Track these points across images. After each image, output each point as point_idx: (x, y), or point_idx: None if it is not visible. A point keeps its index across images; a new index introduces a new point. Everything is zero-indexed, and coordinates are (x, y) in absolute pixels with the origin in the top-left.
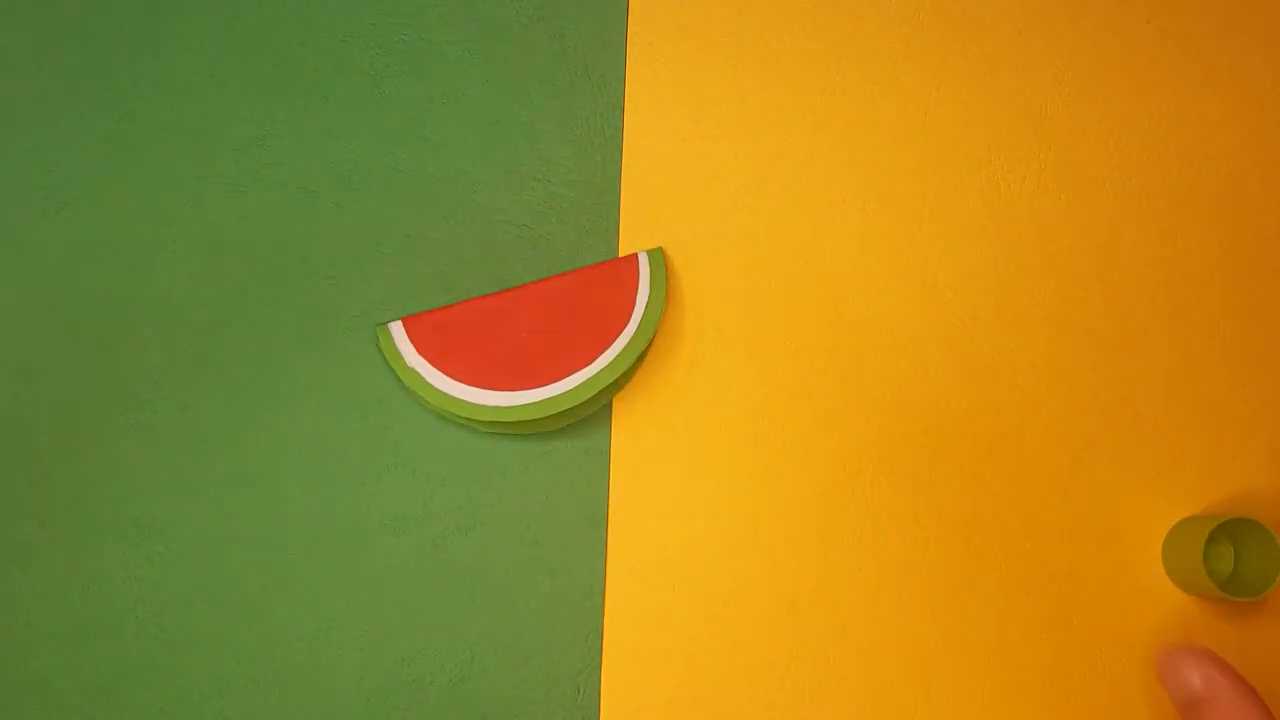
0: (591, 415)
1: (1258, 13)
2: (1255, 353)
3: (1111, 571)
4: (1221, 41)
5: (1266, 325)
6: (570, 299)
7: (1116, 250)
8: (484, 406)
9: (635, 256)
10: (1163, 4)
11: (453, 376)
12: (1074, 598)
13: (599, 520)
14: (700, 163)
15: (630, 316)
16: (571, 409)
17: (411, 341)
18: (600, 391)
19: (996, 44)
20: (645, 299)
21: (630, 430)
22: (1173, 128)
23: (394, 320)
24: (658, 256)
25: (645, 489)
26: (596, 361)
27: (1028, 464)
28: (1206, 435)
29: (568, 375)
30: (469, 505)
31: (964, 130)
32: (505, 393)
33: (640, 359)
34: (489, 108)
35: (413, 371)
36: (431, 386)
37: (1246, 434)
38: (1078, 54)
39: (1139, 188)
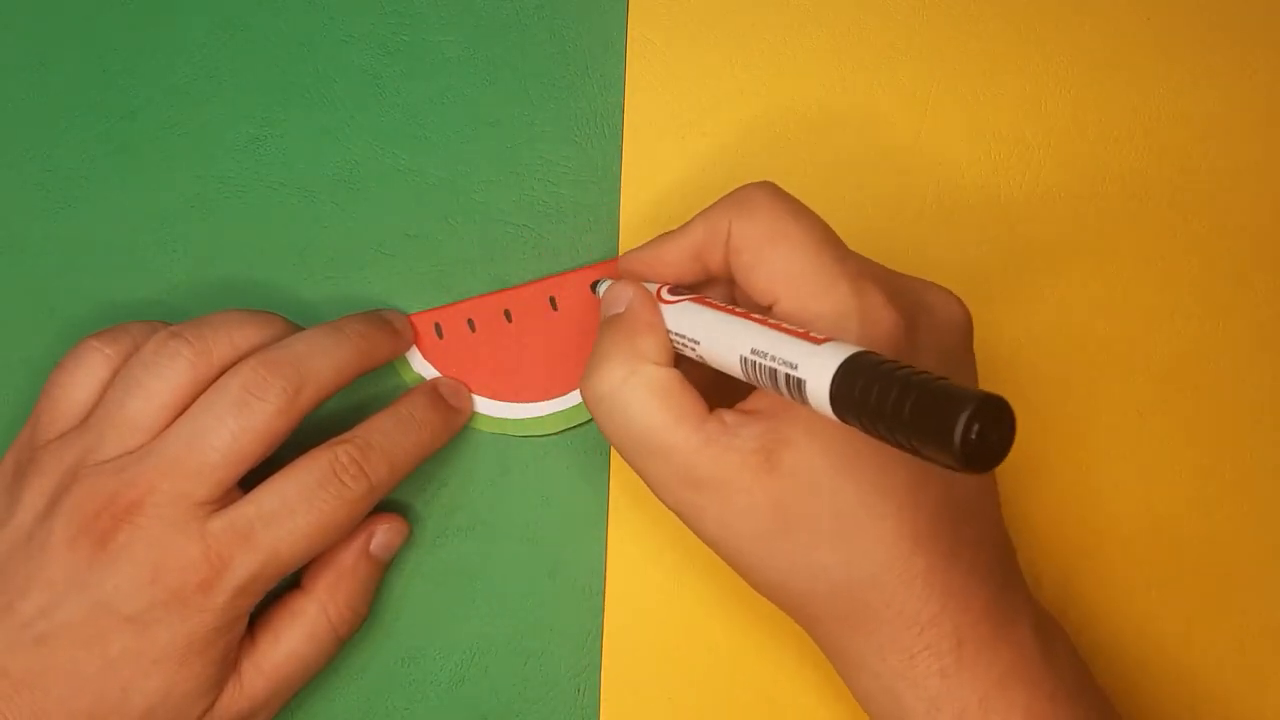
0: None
1: (1258, 12)
2: (1256, 350)
3: (1110, 571)
4: (1222, 41)
5: (1267, 323)
6: (571, 296)
7: (1117, 249)
8: (488, 418)
9: None
10: (1162, 2)
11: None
12: (1073, 596)
13: (599, 520)
14: (700, 163)
15: None
16: (576, 426)
17: (419, 348)
18: None
19: (996, 44)
20: None
21: None
22: (1173, 127)
23: None
24: None
25: (645, 489)
26: None
27: (1027, 464)
28: (1208, 434)
29: (572, 390)
30: (469, 505)
31: (964, 129)
32: (509, 404)
33: None
34: (489, 108)
35: (419, 377)
36: None
37: (1247, 433)
38: (1078, 54)
39: (1139, 187)
